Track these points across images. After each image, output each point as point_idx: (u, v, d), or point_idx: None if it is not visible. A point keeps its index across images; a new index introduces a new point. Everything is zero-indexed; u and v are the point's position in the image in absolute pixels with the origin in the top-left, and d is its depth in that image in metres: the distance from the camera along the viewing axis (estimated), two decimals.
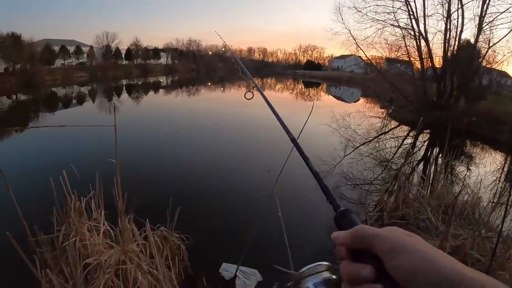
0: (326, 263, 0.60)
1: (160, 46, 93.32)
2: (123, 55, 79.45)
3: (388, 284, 0.48)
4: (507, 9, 18.63)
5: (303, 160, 0.82)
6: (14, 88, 38.03)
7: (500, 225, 3.30)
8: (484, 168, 10.60)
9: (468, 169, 10.01)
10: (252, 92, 1.33)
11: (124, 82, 54.05)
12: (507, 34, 19.04)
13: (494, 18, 19.30)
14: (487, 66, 21.57)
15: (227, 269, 4.01)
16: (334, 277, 0.58)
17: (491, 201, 5.63)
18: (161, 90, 42.44)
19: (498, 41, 19.61)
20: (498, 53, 20.49)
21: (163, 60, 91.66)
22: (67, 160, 5.60)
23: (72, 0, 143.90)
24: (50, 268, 3.31)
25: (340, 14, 24.06)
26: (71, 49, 70.70)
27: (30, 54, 50.54)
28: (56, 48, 65.12)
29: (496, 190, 6.60)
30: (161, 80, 61.09)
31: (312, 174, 0.77)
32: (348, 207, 0.62)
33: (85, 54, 72.84)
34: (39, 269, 2.96)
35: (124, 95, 35.18)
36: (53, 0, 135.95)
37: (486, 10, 19.32)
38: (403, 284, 0.47)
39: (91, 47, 73.15)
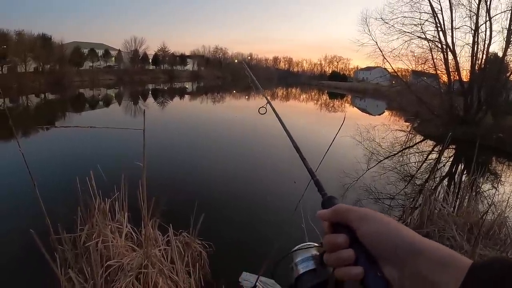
0: (317, 244, 0.74)
1: (187, 53, 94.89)
2: (150, 60, 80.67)
3: (358, 248, 0.58)
4: None
5: (301, 159, 0.90)
6: (43, 88, 39.01)
7: None
8: (510, 186, 10.31)
9: (494, 187, 9.76)
10: (266, 108, 1.38)
11: (151, 86, 54.85)
12: None
13: None
14: None
15: (247, 279, 3.98)
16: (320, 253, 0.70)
17: None
18: (186, 96, 42.83)
19: None
20: None
21: (190, 66, 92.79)
22: (93, 160, 5.67)
23: (102, 5, 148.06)
24: (71, 267, 3.35)
25: (367, 25, 23.74)
26: (100, 52, 72.24)
27: (60, 55, 51.83)
28: (85, 51, 66.56)
29: None
30: (187, 86, 61.85)
31: (307, 171, 0.86)
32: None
33: (113, 58, 74.27)
34: (60, 267, 2.99)
35: (150, 99, 35.68)
36: (83, 4, 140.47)
37: None
38: (371, 248, 0.56)
39: (119, 51, 74.71)
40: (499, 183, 10.69)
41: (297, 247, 0.76)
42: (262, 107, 1.37)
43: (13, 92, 30.92)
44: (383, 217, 0.58)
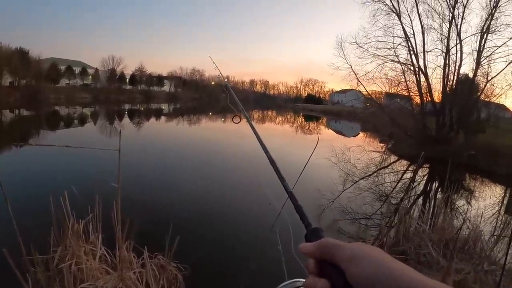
0: (303, 280, 0.65)
1: (164, 74, 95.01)
2: (127, 80, 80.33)
3: None
4: (505, 43, 19.02)
5: (279, 180, 0.83)
6: (18, 103, 38.34)
7: (505, 258, 3.25)
8: (483, 201, 10.54)
9: (468, 203, 9.94)
10: (240, 117, 1.44)
11: (127, 106, 54.47)
12: (505, 68, 19.26)
13: (492, 52, 19.66)
14: (485, 99, 21.81)
15: None
16: None
17: (493, 234, 5.57)
18: (163, 117, 42.55)
19: (496, 75, 19.88)
20: (496, 87, 20.76)
21: (166, 87, 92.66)
22: (68, 180, 5.56)
23: (81, 22, 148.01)
24: None
25: (342, 49, 24.06)
26: (77, 69, 71.79)
27: (37, 71, 51.07)
28: (62, 68, 65.99)
29: (496, 224, 6.55)
30: (163, 107, 61.60)
31: (287, 194, 0.79)
32: (320, 226, 0.64)
33: (90, 76, 73.72)
34: None
35: (126, 119, 35.32)
36: (62, 20, 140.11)
37: (484, 45, 19.74)
38: None
39: (97, 69, 74.25)
40: (473, 199, 10.93)
41: (283, 284, 0.71)
42: (236, 115, 1.38)
43: None
44: (375, 255, 0.50)
